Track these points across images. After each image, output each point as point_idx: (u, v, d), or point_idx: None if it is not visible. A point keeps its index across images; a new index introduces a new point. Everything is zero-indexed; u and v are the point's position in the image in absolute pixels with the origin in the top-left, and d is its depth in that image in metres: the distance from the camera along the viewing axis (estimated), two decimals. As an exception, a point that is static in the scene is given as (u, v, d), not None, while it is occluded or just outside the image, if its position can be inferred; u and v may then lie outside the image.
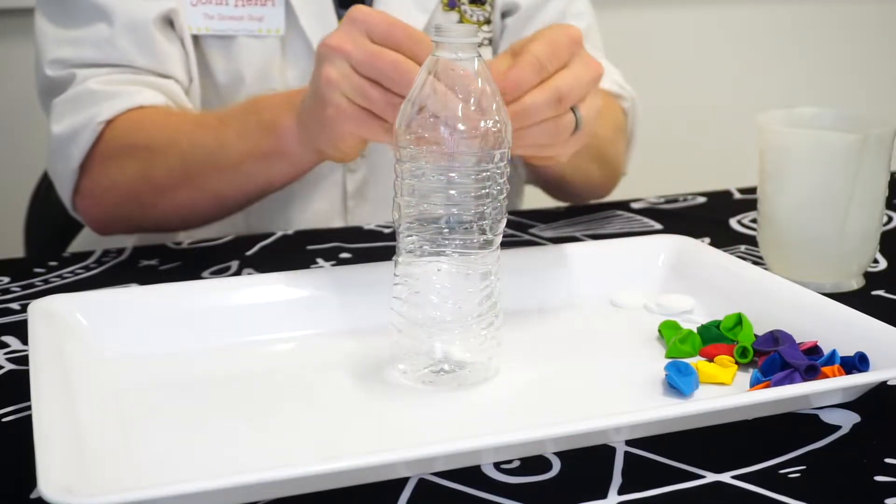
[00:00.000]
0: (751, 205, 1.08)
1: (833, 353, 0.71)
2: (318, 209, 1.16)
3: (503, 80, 0.73)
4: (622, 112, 1.17)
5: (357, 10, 0.78)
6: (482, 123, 0.68)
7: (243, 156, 0.95)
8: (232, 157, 0.96)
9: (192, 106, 1.08)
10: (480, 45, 0.69)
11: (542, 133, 0.77)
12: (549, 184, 1.17)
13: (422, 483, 0.60)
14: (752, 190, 0.98)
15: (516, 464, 0.62)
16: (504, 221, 0.71)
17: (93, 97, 1.02)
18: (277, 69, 1.10)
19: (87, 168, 1.03)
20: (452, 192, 0.68)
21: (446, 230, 0.69)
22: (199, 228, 1.14)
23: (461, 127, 0.67)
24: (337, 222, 1.17)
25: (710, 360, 0.75)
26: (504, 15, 1.20)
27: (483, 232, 0.69)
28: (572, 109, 0.78)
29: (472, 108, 0.68)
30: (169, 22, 1.07)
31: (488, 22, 1.18)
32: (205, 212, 1.03)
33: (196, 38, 1.09)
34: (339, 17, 1.12)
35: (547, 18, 1.18)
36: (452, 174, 0.68)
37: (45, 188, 1.35)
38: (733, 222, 1.09)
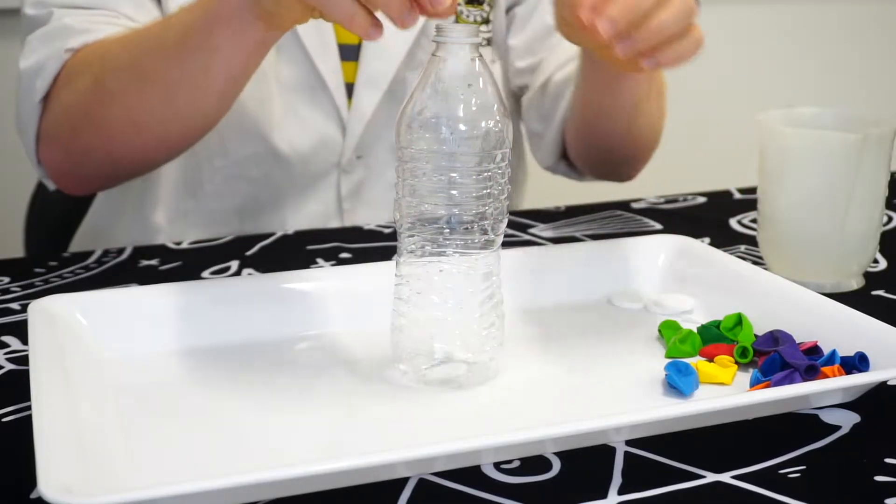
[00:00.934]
0: (751, 205, 1.08)
1: (833, 353, 0.71)
2: (313, 211, 1.15)
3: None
4: None
5: None
6: (483, 123, 0.68)
7: (185, 29, 0.91)
8: (175, 35, 0.92)
9: None
10: (480, 44, 0.69)
11: (689, 46, 0.77)
12: (620, 121, 1.08)
13: (422, 483, 0.60)
14: (752, 190, 0.98)
15: (516, 464, 0.62)
16: (505, 221, 0.71)
17: (66, 31, 1.00)
18: (271, 67, 1.10)
19: (47, 103, 1.00)
20: (454, 192, 0.68)
21: (447, 230, 0.69)
22: (201, 234, 1.14)
23: (462, 127, 0.67)
24: (333, 225, 1.17)
25: (710, 360, 0.75)
26: (510, 8, 1.20)
27: (484, 232, 0.70)
28: None
29: (474, 108, 0.68)
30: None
31: (487, 21, 1.18)
32: (156, 112, 0.96)
33: None
34: None
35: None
36: (454, 174, 0.68)
37: (45, 188, 1.35)
38: (733, 222, 1.09)
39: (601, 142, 1.14)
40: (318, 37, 1.10)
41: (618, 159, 1.17)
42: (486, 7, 1.16)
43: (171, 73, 0.93)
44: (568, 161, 1.21)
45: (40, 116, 1.01)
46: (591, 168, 1.19)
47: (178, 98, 0.94)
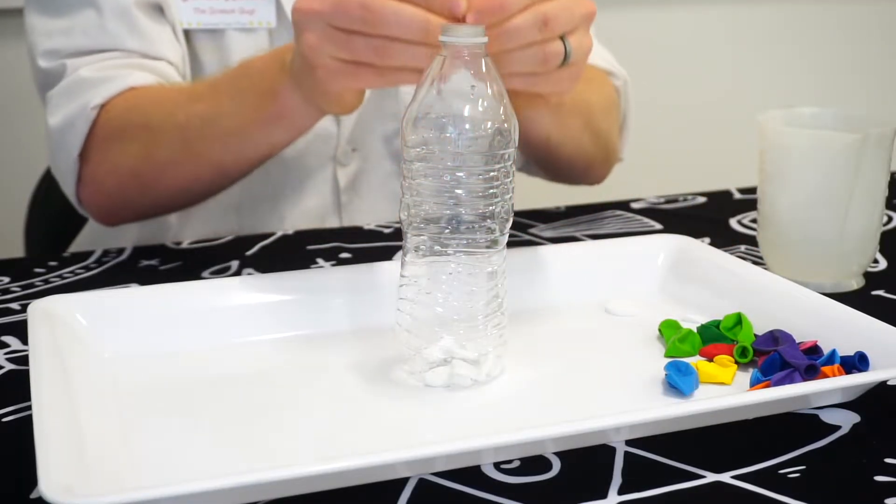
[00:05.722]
0: (751, 205, 1.08)
1: (833, 352, 0.71)
2: (311, 205, 1.16)
3: (489, 2, 0.72)
4: (614, 90, 1.16)
5: None
6: (489, 124, 0.68)
7: (244, 122, 0.94)
8: (232, 124, 0.95)
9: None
10: (486, 44, 0.69)
11: (528, 59, 0.76)
12: (537, 150, 1.10)
13: (422, 483, 0.60)
14: (752, 190, 0.98)
15: (516, 464, 0.62)
16: (510, 221, 0.71)
17: (84, 84, 1.02)
18: None
19: (87, 155, 1.03)
20: (460, 191, 0.68)
21: (453, 230, 0.69)
22: (200, 229, 1.14)
23: (468, 127, 0.67)
24: (331, 217, 1.17)
25: (710, 359, 0.75)
26: None
27: (490, 231, 0.70)
28: (562, 39, 0.77)
29: (480, 108, 0.68)
30: (158, 9, 1.07)
31: None
32: (207, 183, 1.02)
33: (186, 34, 1.09)
34: None
35: None
36: (460, 174, 0.68)
37: (45, 188, 1.35)
38: (733, 222, 1.09)
39: (533, 164, 1.16)
40: None
41: (556, 176, 1.19)
42: None
43: (225, 156, 0.98)
44: None
45: (79, 167, 1.04)
46: (552, 178, 1.20)
47: (231, 171, 1.00)
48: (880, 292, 0.90)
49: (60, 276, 0.93)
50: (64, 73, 1.04)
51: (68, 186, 1.06)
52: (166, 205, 1.06)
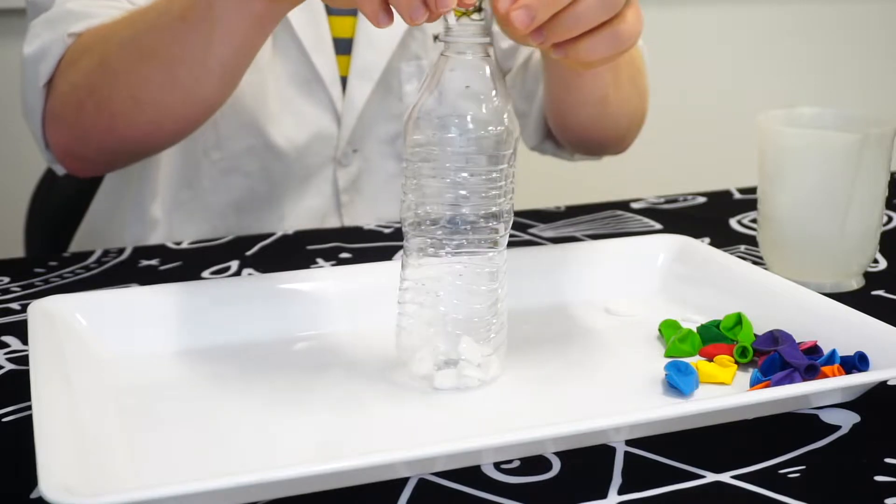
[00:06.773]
0: (751, 205, 1.08)
1: (833, 352, 0.71)
2: (311, 205, 1.16)
3: None
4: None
5: None
6: (492, 123, 0.68)
7: (187, 3, 0.89)
8: (177, 11, 0.91)
9: None
10: (489, 44, 0.69)
11: (601, 39, 0.71)
12: (593, 109, 1.08)
13: (422, 483, 0.60)
14: (752, 190, 0.98)
15: (516, 464, 0.62)
16: (511, 222, 0.71)
17: (69, 15, 1.00)
18: (267, 61, 1.10)
19: (53, 84, 1.00)
20: (462, 192, 0.68)
21: (454, 230, 0.69)
22: (200, 229, 1.14)
23: (471, 127, 0.67)
24: (332, 218, 1.17)
25: (710, 359, 0.75)
26: None
27: (492, 232, 0.69)
28: None
29: (483, 108, 0.68)
30: None
31: (479, 10, 1.17)
32: (158, 90, 0.96)
33: None
34: (328, 11, 1.12)
35: None
36: (462, 174, 0.68)
37: (45, 188, 1.35)
38: (733, 222, 1.09)
39: (575, 130, 1.15)
40: (314, 31, 1.11)
41: (598, 142, 1.18)
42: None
43: (172, 49, 0.92)
44: (554, 140, 1.20)
45: (45, 100, 1.01)
46: (576, 148, 1.20)
47: (179, 75, 0.94)
48: (880, 292, 0.90)
49: (60, 276, 0.93)
50: (52, 5, 1.02)
51: (34, 123, 1.02)
52: (122, 129, 1.00)
